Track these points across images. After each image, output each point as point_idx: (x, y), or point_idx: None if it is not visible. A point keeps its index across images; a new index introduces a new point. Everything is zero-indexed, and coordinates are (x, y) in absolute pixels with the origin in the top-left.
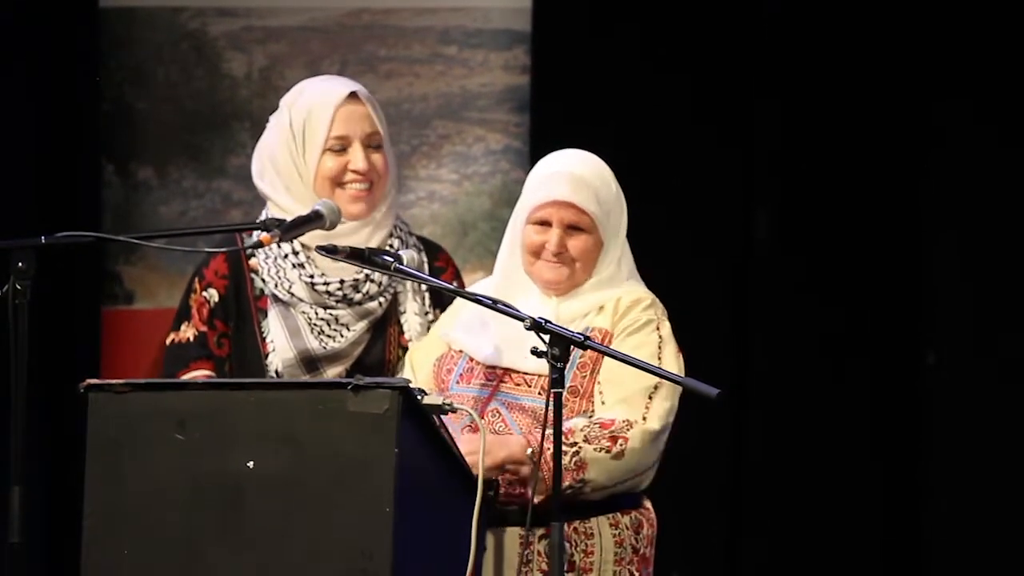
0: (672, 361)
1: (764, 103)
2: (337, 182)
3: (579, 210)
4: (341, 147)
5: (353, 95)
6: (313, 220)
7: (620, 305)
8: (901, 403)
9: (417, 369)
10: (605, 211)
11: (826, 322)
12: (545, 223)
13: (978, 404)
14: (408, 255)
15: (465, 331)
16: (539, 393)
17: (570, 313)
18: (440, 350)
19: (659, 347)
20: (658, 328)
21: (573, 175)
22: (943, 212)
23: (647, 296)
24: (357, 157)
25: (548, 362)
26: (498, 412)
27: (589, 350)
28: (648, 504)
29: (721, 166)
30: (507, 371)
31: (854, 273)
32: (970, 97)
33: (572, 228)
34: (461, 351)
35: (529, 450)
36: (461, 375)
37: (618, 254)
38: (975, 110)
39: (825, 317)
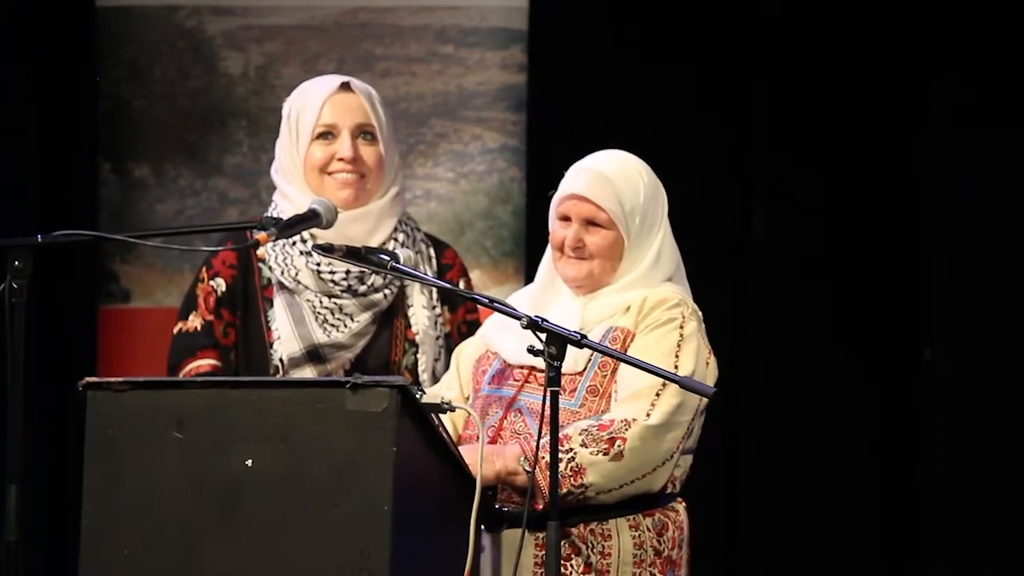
0: (690, 360)
1: (763, 103)
2: (324, 170)
3: (595, 206)
4: (329, 134)
5: (345, 85)
6: (309, 219)
7: (645, 305)
8: (898, 398)
9: (462, 367)
10: (627, 210)
11: (823, 318)
12: (567, 218)
13: (974, 399)
14: (405, 254)
15: (498, 332)
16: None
17: (597, 314)
18: (480, 351)
19: (678, 344)
20: (681, 327)
21: (594, 171)
22: (940, 209)
23: (675, 296)
24: (344, 145)
25: (544, 360)
26: (520, 413)
27: (588, 349)
28: (678, 506)
29: (719, 164)
30: (533, 371)
31: (851, 270)
32: (973, 91)
33: (590, 224)
34: (496, 353)
35: (521, 457)
36: (494, 376)
37: (649, 254)
38: (977, 105)
39: (822, 313)
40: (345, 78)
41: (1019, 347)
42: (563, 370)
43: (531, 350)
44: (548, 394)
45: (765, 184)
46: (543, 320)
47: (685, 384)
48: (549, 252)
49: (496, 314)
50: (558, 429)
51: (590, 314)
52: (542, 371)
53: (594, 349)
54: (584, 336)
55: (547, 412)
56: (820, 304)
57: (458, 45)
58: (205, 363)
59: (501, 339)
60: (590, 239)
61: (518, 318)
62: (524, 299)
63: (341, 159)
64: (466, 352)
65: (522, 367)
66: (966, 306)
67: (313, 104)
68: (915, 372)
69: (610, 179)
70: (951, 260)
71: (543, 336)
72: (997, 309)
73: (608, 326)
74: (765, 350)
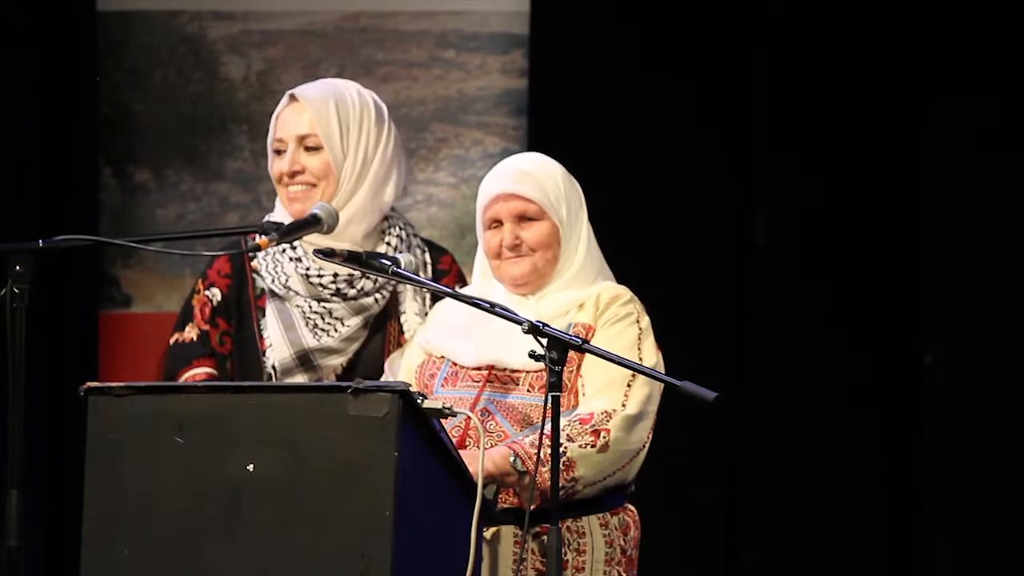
0: (651, 353)
1: (763, 107)
2: (280, 183)
3: (524, 199)
4: (279, 150)
5: (292, 97)
6: (311, 224)
7: (601, 301)
8: (899, 403)
9: (400, 375)
10: (553, 198)
11: (824, 323)
12: (496, 221)
13: (975, 404)
14: (406, 258)
15: (447, 337)
16: (527, 390)
17: (551, 311)
18: (421, 358)
19: (639, 338)
20: (638, 321)
21: (512, 169)
22: (941, 213)
23: (626, 293)
24: (287, 159)
25: (546, 365)
26: (487, 412)
27: (582, 352)
28: (631, 507)
29: (719, 169)
30: (493, 371)
31: (852, 275)
32: (969, 99)
33: (522, 219)
34: (443, 357)
35: (512, 457)
36: (446, 378)
37: (581, 244)
38: (974, 111)
39: (823, 318)
40: (305, 87)
41: (1019, 350)
42: (528, 368)
43: (532, 355)
44: (549, 399)
45: (766, 188)
46: (544, 325)
47: (687, 389)
48: (481, 261)
49: (437, 319)
50: (559, 432)
51: (544, 311)
52: (503, 370)
53: (595, 354)
54: (585, 341)
55: (537, 415)
56: (821, 308)
57: (459, 50)
58: (201, 371)
59: (450, 343)
60: (526, 234)
61: (519, 323)
62: (462, 308)
63: (284, 172)
64: (399, 361)
65: (479, 368)
66: (967, 310)
67: (273, 119)
68: (916, 376)
69: (529, 172)
70: (952, 264)
71: (544, 341)
72: (998, 313)
73: (567, 322)
74: (766, 354)
